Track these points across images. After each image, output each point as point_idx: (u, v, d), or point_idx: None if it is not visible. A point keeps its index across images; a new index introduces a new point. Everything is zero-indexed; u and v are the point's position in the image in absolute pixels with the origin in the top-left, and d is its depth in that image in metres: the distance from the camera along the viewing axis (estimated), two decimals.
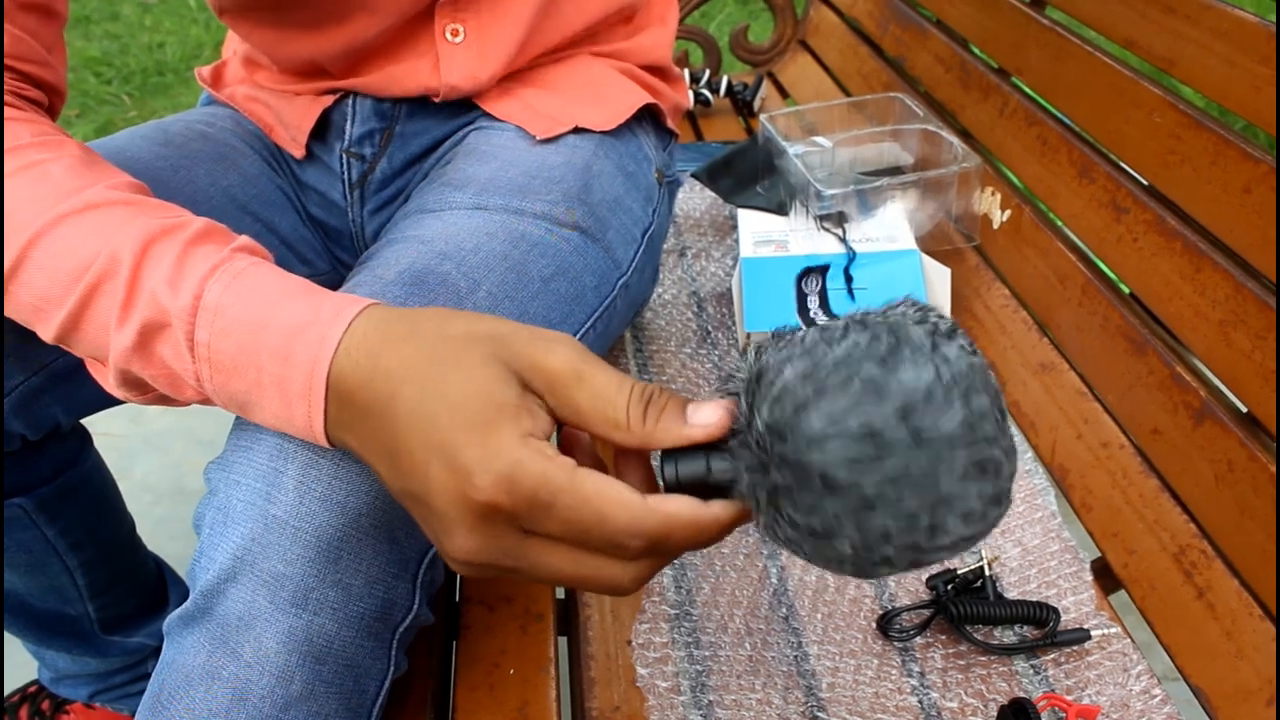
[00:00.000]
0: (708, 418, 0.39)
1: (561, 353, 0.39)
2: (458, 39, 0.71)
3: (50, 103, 0.58)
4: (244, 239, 0.48)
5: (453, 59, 0.71)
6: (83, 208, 0.47)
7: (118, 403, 0.71)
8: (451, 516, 0.38)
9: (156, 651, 0.52)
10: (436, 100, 0.73)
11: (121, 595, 0.88)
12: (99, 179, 0.49)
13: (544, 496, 0.37)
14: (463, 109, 0.75)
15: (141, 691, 0.51)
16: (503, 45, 0.72)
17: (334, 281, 0.69)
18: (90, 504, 0.82)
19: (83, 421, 0.79)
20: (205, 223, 0.47)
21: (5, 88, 0.53)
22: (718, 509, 0.38)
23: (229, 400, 0.45)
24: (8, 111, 0.51)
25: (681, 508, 0.38)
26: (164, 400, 0.49)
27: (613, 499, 0.37)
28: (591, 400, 0.39)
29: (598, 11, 0.76)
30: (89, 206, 0.47)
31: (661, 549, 0.38)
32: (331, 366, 0.42)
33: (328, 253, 0.82)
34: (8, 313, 0.50)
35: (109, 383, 0.48)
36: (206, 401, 0.47)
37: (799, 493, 0.35)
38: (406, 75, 0.72)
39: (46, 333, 0.48)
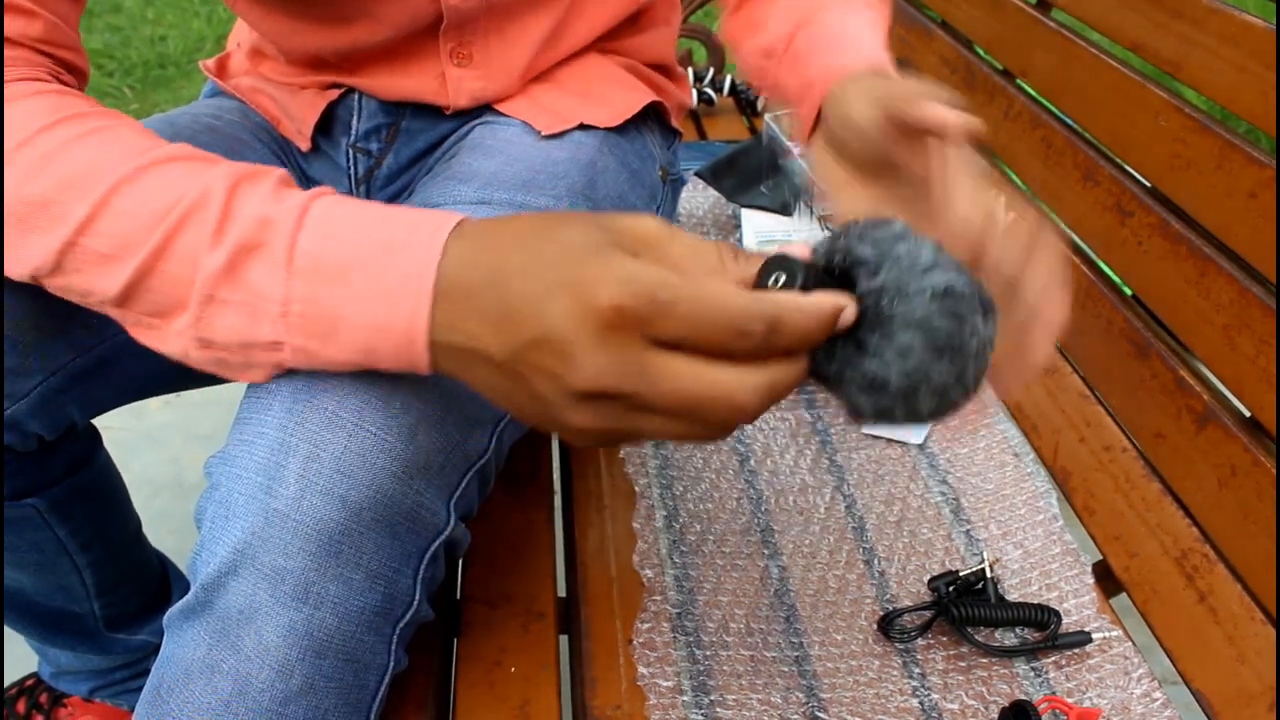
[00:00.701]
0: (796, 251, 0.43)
1: (650, 220, 0.42)
2: (465, 65, 0.71)
3: (80, 89, 0.58)
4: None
5: (460, 83, 0.72)
6: (165, 159, 0.47)
7: (131, 400, 0.71)
8: (576, 339, 0.39)
9: (158, 649, 0.52)
10: (446, 113, 0.74)
11: (127, 593, 0.87)
12: (165, 143, 0.49)
13: (666, 294, 0.39)
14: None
15: (141, 687, 0.51)
16: (511, 68, 0.72)
17: None
18: (100, 503, 0.81)
19: None
20: (286, 172, 0.48)
21: (48, 71, 0.53)
22: (819, 295, 0.41)
23: (310, 326, 0.44)
24: (61, 86, 0.52)
25: (788, 295, 0.41)
26: (219, 363, 0.47)
27: (729, 290, 0.40)
28: (686, 250, 0.42)
29: (604, 25, 0.76)
30: (172, 158, 0.47)
31: (779, 336, 0.40)
32: (444, 254, 0.42)
33: None
34: (55, 290, 0.49)
35: (174, 333, 0.46)
36: (276, 348, 0.45)
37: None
38: (413, 91, 0.73)
39: (113, 284, 0.46)
